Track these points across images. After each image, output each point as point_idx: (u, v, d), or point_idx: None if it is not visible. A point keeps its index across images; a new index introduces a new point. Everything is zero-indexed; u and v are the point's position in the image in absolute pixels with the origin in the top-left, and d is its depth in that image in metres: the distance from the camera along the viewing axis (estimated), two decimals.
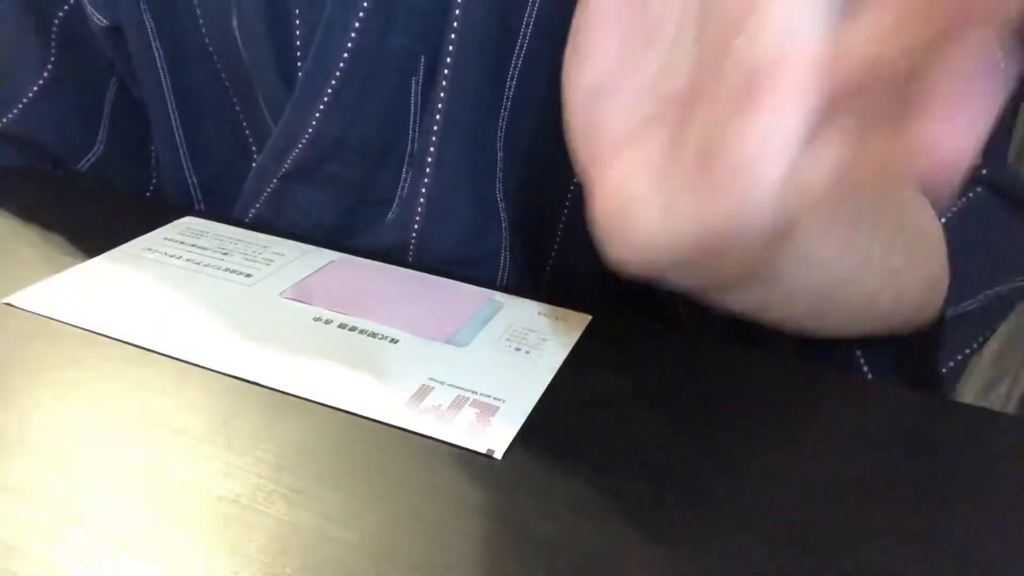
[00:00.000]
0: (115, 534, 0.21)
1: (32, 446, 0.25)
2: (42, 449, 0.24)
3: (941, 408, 0.31)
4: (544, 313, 0.34)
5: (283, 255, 0.37)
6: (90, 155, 0.47)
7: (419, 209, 0.38)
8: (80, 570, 0.20)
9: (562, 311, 0.34)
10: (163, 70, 0.44)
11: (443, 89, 0.36)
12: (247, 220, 0.42)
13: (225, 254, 0.37)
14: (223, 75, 0.44)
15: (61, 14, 0.45)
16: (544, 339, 0.32)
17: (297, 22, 0.38)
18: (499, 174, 0.39)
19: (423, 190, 0.38)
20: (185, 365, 0.29)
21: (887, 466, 0.27)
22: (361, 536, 0.22)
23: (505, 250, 0.40)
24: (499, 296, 0.35)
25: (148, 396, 0.27)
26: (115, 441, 0.25)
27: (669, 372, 0.31)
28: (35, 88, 0.45)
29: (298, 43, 0.39)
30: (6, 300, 0.32)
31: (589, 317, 0.34)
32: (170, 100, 0.45)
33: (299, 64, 0.39)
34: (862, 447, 0.27)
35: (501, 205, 0.40)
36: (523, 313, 0.34)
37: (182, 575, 0.20)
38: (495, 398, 0.28)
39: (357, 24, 0.36)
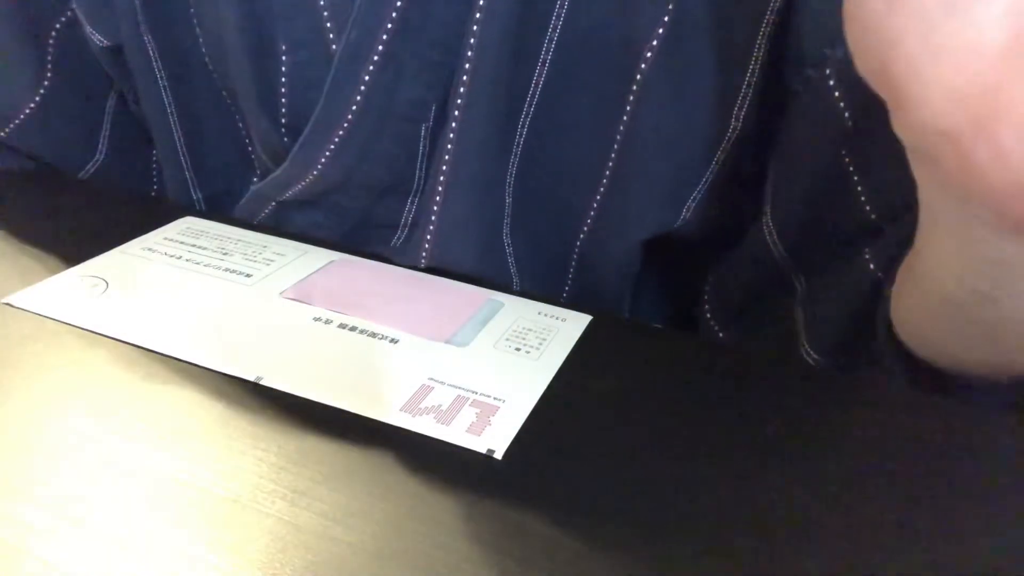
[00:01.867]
0: (115, 534, 0.21)
1: (32, 446, 0.25)
2: (42, 449, 0.24)
3: (947, 409, 0.31)
4: (544, 313, 0.34)
5: (283, 255, 0.37)
6: (90, 165, 0.47)
7: (423, 254, 0.37)
8: (80, 570, 0.20)
9: (562, 311, 0.34)
10: (165, 88, 0.43)
11: (450, 141, 0.36)
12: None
13: (225, 254, 0.37)
14: (224, 93, 0.43)
15: (58, 26, 0.44)
16: (544, 339, 0.32)
17: (284, 58, 0.38)
18: (507, 219, 0.39)
19: (428, 236, 0.37)
20: (185, 365, 0.29)
21: (890, 467, 0.27)
22: (361, 536, 0.22)
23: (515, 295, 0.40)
24: (499, 296, 0.35)
25: (148, 396, 0.27)
26: (115, 441, 0.25)
27: (669, 372, 0.31)
28: (32, 103, 0.45)
29: (283, 80, 0.39)
30: (6, 300, 0.32)
31: (589, 317, 0.34)
32: (173, 117, 0.44)
33: (283, 102, 0.39)
34: (863, 447, 0.27)
35: (509, 251, 0.40)
36: (523, 313, 0.34)
37: (182, 575, 0.20)
38: (495, 398, 0.28)
39: (367, 77, 0.35)
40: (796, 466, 0.26)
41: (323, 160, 0.38)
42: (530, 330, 0.32)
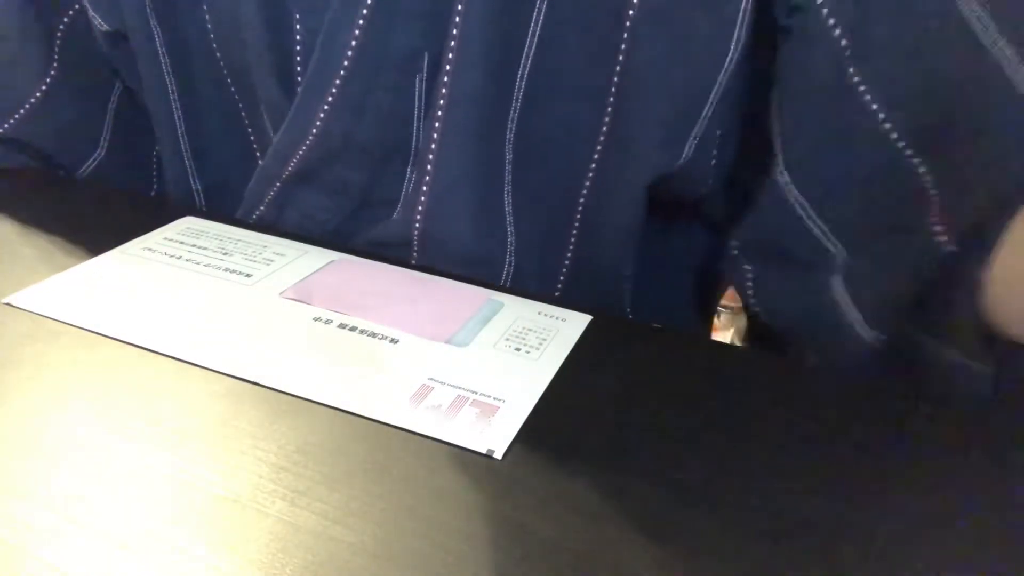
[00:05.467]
0: (115, 534, 0.21)
1: (32, 446, 0.25)
2: (42, 449, 0.24)
3: (950, 411, 0.31)
4: (544, 313, 0.34)
5: (283, 255, 0.37)
6: (91, 160, 0.47)
7: (420, 208, 0.38)
8: (80, 570, 0.20)
9: (562, 311, 0.34)
10: (169, 75, 0.44)
11: (444, 86, 0.36)
12: (250, 223, 0.42)
13: (225, 254, 0.37)
14: (229, 80, 0.43)
15: (66, 20, 0.45)
16: (544, 339, 0.32)
17: (297, 27, 0.38)
18: (508, 176, 0.39)
19: (424, 188, 0.38)
20: (185, 365, 0.29)
21: (891, 468, 0.27)
22: (361, 536, 0.22)
23: (510, 255, 0.40)
24: (499, 296, 0.35)
25: (148, 396, 0.27)
26: (115, 441, 0.25)
27: (669, 372, 0.31)
28: (37, 95, 0.45)
29: (298, 48, 0.39)
30: (6, 300, 0.32)
31: (589, 317, 0.34)
32: (175, 105, 0.45)
33: (298, 70, 0.39)
34: (857, 445, 0.27)
35: (509, 208, 0.40)
36: (523, 313, 0.34)
37: (182, 575, 0.20)
38: (495, 398, 0.28)
39: (361, 22, 0.36)
40: (796, 465, 0.26)
41: (322, 114, 0.38)
42: (530, 330, 0.32)
